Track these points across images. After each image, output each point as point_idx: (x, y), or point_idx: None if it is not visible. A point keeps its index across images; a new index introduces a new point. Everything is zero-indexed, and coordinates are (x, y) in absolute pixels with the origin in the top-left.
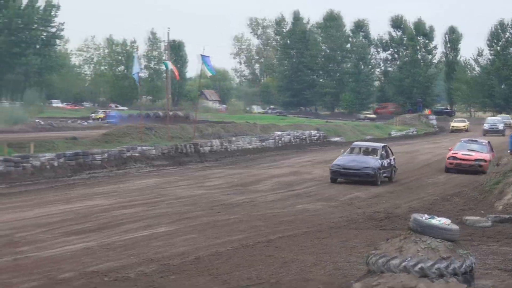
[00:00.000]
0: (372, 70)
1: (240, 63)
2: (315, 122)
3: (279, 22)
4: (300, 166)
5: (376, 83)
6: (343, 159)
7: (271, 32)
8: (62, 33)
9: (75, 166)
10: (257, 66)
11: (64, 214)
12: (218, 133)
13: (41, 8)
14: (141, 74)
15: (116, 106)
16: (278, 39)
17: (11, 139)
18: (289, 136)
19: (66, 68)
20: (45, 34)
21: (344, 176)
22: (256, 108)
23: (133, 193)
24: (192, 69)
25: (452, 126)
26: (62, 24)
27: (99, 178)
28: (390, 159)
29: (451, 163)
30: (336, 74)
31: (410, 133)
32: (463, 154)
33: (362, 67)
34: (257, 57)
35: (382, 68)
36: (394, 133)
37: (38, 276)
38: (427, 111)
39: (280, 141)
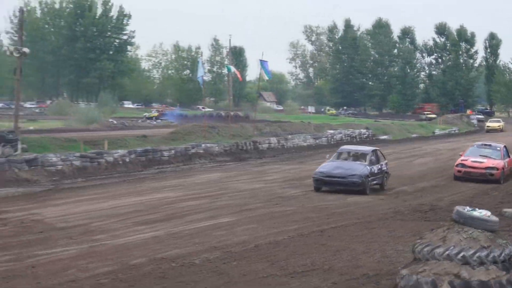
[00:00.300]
0: (417, 73)
1: (296, 67)
2: (365, 122)
3: (332, 29)
4: None
5: (421, 86)
6: (327, 165)
7: (324, 39)
8: (133, 40)
9: (145, 161)
10: (311, 70)
11: (135, 205)
12: (275, 131)
13: (114, 17)
14: (205, 78)
15: (203, 108)
16: (331, 45)
17: (87, 137)
18: (340, 135)
19: (137, 72)
20: (117, 41)
21: (328, 185)
22: (310, 109)
23: (198, 186)
24: (252, 73)
25: (487, 126)
26: (133, 32)
27: (166, 172)
28: (381, 165)
29: (459, 171)
30: (384, 77)
31: (453, 132)
32: (472, 162)
33: (408, 70)
34: (311, 62)
35: (427, 71)
36: (437, 132)
37: (112, 262)
38: (468, 112)
39: (332, 139)
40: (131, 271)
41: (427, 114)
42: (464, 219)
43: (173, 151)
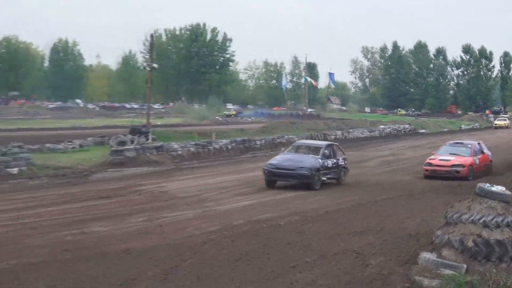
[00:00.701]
0: (448, 82)
1: (355, 78)
2: (407, 119)
3: (383, 49)
4: (397, 149)
5: (451, 92)
6: (279, 158)
7: (377, 56)
8: (233, 57)
9: (242, 148)
10: (367, 80)
11: (236, 181)
12: (340, 126)
13: (220, 41)
14: (287, 86)
15: (306, 108)
16: (382, 61)
17: (200, 130)
18: (389, 129)
19: (236, 82)
20: (222, 58)
21: (278, 177)
22: (367, 109)
23: None
24: (322, 82)
25: (495, 124)
26: (234, 51)
27: (258, 156)
28: (338, 159)
29: (426, 170)
30: (422, 85)
31: (475, 127)
32: (440, 160)
33: (441, 80)
34: (367, 74)
35: (455, 81)
36: (463, 127)
37: (219, 222)
38: (487, 112)
39: (383, 132)
40: (232, 230)
41: (469, 113)
42: (485, 193)
43: (263, 141)
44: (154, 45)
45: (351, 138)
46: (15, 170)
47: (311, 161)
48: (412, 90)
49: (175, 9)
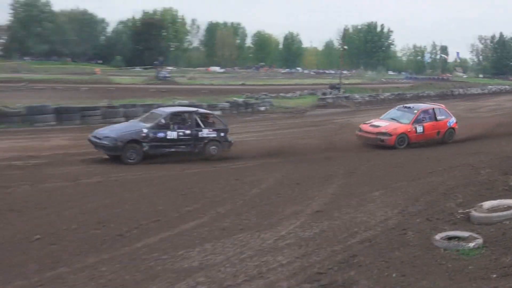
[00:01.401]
0: None
1: (473, 55)
2: (508, 83)
3: (493, 37)
4: (499, 102)
5: None
6: (110, 126)
7: (488, 42)
8: (394, 42)
9: (398, 98)
10: (481, 57)
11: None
12: (461, 86)
13: (385, 32)
14: (428, 60)
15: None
16: (492, 45)
17: (371, 87)
18: (494, 88)
19: (395, 57)
20: (386, 43)
21: (94, 146)
22: (480, 75)
23: None
24: (451, 58)
25: None
26: (394, 38)
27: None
28: (199, 131)
29: (356, 135)
30: None
31: None
32: (370, 126)
33: None
34: (481, 53)
35: None
36: None
37: (341, 142)
38: None
39: (490, 90)
40: (352, 150)
41: None
42: None
43: (411, 94)
44: (345, 34)
45: (469, 94)
46: (262, 108)
47: (126, 130)
48: (510, 63)
49: (358, 12)
